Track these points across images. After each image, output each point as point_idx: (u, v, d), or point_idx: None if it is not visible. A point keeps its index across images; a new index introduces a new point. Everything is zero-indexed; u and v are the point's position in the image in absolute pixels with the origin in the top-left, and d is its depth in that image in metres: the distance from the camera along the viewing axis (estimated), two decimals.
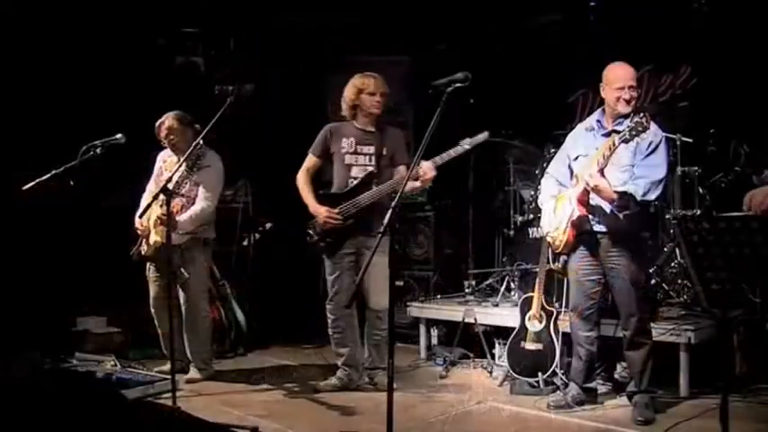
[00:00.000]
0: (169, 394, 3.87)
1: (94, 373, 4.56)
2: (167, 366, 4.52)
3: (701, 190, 4.98)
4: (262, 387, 4.62)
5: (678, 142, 4.93)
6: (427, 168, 4.19)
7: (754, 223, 2.47)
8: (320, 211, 4.40)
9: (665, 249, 4.89)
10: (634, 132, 3.49)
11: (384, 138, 4.53)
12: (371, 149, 4.49)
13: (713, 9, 5.39)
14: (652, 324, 4.15)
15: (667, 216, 4.95)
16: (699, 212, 4.86)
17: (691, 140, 4.99)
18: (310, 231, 4.47)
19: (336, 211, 4.38)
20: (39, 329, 5.11)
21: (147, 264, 4.82)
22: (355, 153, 4.49)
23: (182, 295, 4.73)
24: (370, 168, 4.46)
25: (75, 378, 3.32)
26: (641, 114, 3.54)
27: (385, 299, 4.31)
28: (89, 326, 5.70)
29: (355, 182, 4.44)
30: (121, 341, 5.68)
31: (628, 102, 3.76)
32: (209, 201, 4.65)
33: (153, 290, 4.82)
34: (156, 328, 4.89)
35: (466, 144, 4.25)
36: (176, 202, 4.51)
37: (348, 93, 4.50)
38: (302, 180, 4.56)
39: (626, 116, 3.78)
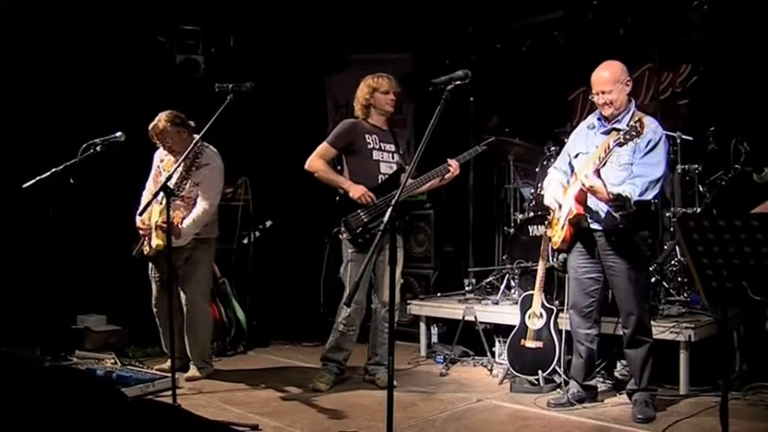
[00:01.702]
0: (169, 392, 3.87)
1: (95, 370, 4.57)
2: (167, 364, 4.53)
3: (701, 188, 4.98)
4: (262, 385, 4.62)
5: (678, 140, 4.93)
6: (456, 165, 4.34)
7: (755, 221, 2.47)
8: (359, 189, 4.35)
9: (666, 247, 4.89)
10: (628, 137, 3.50)
11: (397, 137, 4.65)
12: (392, 147, 4.58)
13: (713, 7, 5.39)
14: (652, 322, 4.16)
15: (667, 214, 4.95)
16: (699, 210, 4.87)
17: (691, 138, 4.99)
18: (343, 228, 4.42)
19: (375, 204, 4.37)
20: (39, 327, 5.11)
21: (150, 264, 4.81)
22: (381, 150, 4.53)
23: (183, 296, 4.72)
24: (395, 165, 4.53)
25: (75, 376, 3.32)
26: (636, 119, 3.55)
27: (397, 294, 4.39)
28: (89, 323, 5.72)
29: (387, 177, 4.48)
30: (121, 339, 5.69)
31: (601, 105, 3.81)
32: (209, 201, 4.61)
33: (155, 289, 4.81)
34: (158, 327, 4.89)
35: (482, 145, 4.49)
36: (177, 211, 4.51)
37: (362, 92, 4.55)
38: (322, 164, 4.47)
39: (617, 115, 3.81)
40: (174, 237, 4.48)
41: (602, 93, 3.77)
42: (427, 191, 4.74)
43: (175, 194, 4.52)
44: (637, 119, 3.57)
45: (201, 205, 4.59)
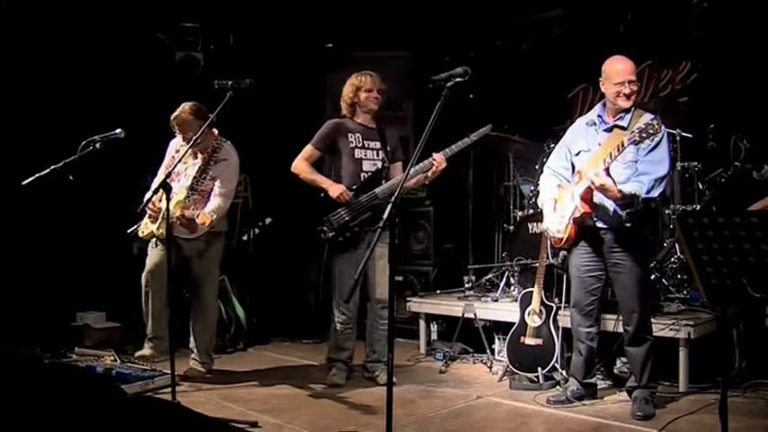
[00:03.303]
0: (169, 389, 3.87)
1: (94, 367, 4.58)
2: (146, 350, 4.55)
3: (700, 185, 4.99)
4: (261, 382, 4.62)
5: (678, 137, 4.93)
6: (440, 159, 4.30)
7: (754, 219, 2.47)
8: (337, 188, 4.40)
9: (665, 245, 4.89)
10: (644, 134, 3.47)
11: (385, 134, 4.65)
12: (377, 144, 4.59)
13: (713, 4, 5.38)
14: (652, 319, 4.16)
15: (667, 212, 4.94)
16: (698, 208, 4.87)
17: (690, 136, 4.99)
18: (325, 228, 4.45)
19: (355, 201, 4.41)
20: (39, 324, 5.11)
21: (155, 240, 4.68)
22: (363, 148, 4.56)
23: (195, 292, 4.74)
24: (379, 162, 4.55)
25: (74, 373, 3.32)
26: (652, 117, 3.52)
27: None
28: (89, 321, 5.72)
29: (369, 175, 4.50)
30: (121, 336, 5.69)
31: (628, 96, 3.76)
32: (226, 196, 4.62)
33: (154, 258, 4.62)
34: (143, 304, 4.68)
35: (473, 136, 4.39)
36: (195, 205, 4.51)
37: (346, 91, 4.60)
38: (305, 166, 4.56)
39: (627, 110, 3.79)
40: (191, 231, 4.50)
41: (630, 82, 3.74)
42: (417, 185, 4.69)
43: (196, 190, 4.55)
44: (653, 116, 3.53)
45: (218, 199, 4.58)
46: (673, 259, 4.90)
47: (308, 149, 4.59)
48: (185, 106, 4.59)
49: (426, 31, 6.76)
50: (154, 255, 4.67)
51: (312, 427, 3.66)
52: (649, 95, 5.87)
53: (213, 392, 4.36)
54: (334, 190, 4.40)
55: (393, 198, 2.90)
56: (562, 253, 4.43)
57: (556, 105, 6.38)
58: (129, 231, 4.76)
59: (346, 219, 4.41)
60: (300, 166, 4.57)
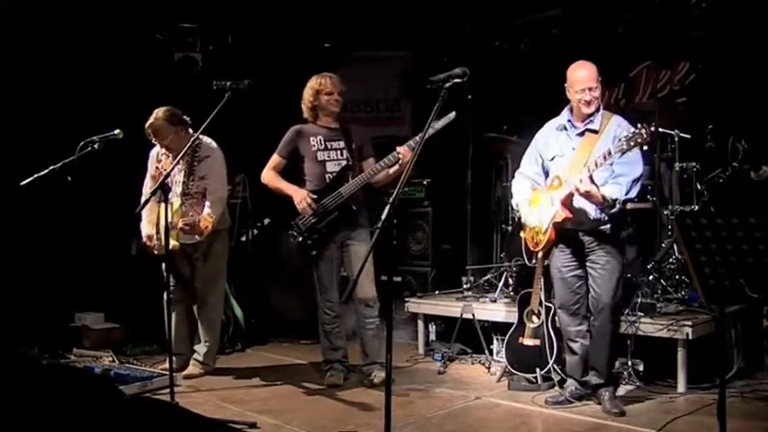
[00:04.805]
0: (167, 390, 3.87)
1: (92, 368, 4.57)
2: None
3: (699, 186, 4.98)
4: (260, 383, 4.62)
5: (676, 138, 4.93)
6: (405, 151, 4.29)
7: (752, 219, 2.47)
8: (299, 195, 4.44)
9: (663, 245, 4.89)
10: (632, 143, 3.50)
11: (349, 133, 4.65)
12: (341, 144, 4.59)
13: (712, 5, 5.39)
14: (650, 320, 4.17)
15: (665, 212, 4.95)
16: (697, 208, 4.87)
17: (689, 136, 4.99)
18: (294, 232, 4.49)
19: (320, 204, 4.43)
20: (37, 325, 5.11)
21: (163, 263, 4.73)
22: (326, 149, 4.57)
23: (202, 293, 4.75)
24: (344, 162, 4.54)
25: (72, 374, 3.32)
26: (639, 125, 3.52)
27: (373, 288, 4.42)
28: (87, 321, 5.71)
29: (333, 176, 4.51)
30: (119, 337, 5.68)
31: (588, 103, 3.82)
32: (220, 191, 4.65)
33: (172, 281, 4.67)
34: (165, 322, 4.75)
35: (436, 125, 4.14)
36: (193, 209, 4.52)
37: (307, 95, 4.59)
38: (272, 175, 4.60)
39: (591, 115, 3.83)
40: (198, 235, 4.50)
41: (590, 89, 3.80)
42: (389, 179, 4.60)
43: (189, 194, 4.55)
44: (640, 125, 3.54)
45: (212, 198, 4.60)
46: (671, 260, 4.90)
47: (274, 158, 4.63)
48: (158, 113, 4.55)
49: (425, 31, 6.75)
50: (172, 280, 4.68)
51: (310, 428, 3.66)
52: (648, 96, 5.86)
53: (212, 393, 4.36)
54: (297, 197, 4.45)
55: (391, 199, 2.89)
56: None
57: (554, 106, 6.35)
58: (148, 251, 4.74)
59: (313, 221, 4.45)
60: (267, 176, 4.62)
